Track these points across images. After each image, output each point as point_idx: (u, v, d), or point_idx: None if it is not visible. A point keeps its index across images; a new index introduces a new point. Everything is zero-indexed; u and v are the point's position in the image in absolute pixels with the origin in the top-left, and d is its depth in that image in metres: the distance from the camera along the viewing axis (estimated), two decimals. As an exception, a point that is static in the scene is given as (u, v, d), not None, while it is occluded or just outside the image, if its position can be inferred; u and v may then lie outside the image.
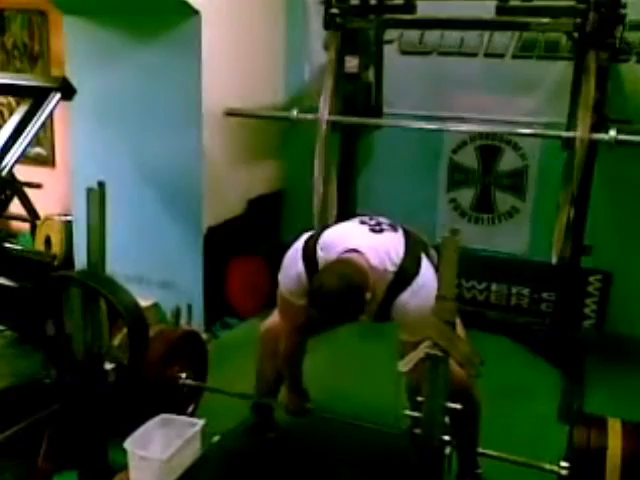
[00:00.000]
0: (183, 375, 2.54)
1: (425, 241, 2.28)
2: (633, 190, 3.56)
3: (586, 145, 2.86)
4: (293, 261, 2.16)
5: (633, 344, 3.56)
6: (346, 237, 2.13)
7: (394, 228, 2.20)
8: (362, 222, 2.23)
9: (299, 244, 2.19)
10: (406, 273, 2.03)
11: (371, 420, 2.40)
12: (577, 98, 3.01)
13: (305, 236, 2.22)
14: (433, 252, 2.23)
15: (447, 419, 1.68)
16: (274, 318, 2.44)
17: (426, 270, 2.07)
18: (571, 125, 3.02)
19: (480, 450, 2.19)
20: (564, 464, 1.99)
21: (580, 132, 2.86)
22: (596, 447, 1.91)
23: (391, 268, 2.03)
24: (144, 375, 2.28)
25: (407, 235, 2.18)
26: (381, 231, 2.16)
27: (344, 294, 1.90)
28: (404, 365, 1.94)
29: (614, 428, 1.98)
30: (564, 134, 3.03)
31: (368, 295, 1.96)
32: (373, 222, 2.22)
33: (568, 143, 2.99)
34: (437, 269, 2.12)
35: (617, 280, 3.70)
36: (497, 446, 2.24)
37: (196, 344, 2.76)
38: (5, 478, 2.22)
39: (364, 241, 2.08)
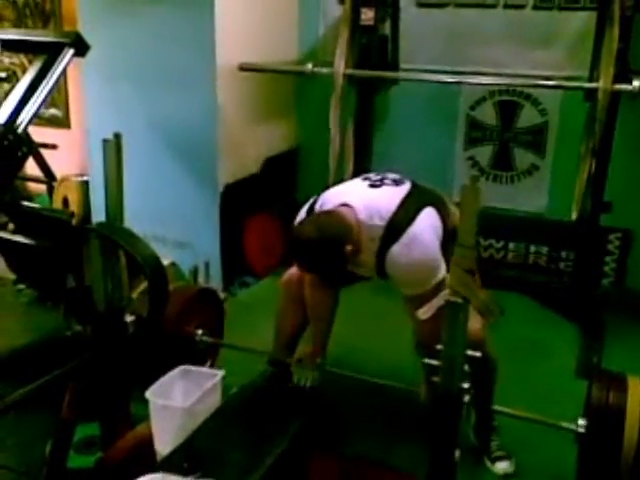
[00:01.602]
0: (200, 332, 2.55)
1: (441, 196, 2.23)
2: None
3: (609, 96, 2.80)
4: (298, 219, 2.20)
5: (651, 302, 3.54)
6: (342, 193, 2.15)
7: (397, 183, 2.18)
8: (365, 178, 2.24)
9: (304, 209, 2.22)
10: (395, 227, 2.00)
11: (386, 374, 2.40)
12: (600, 48, 2.93)
13: (310, 200, 2.24)
14: (453, 209, 2.19)
15: (466, 367, 1.68)
16: (293, 268, 2.44)
17: (423, 222, 2.02)
18: (593, 76, 2.95)
19: (496, 407, 2.18)
20: (582, 422, 1.96)
21: (603, 83, 2.80)
22: (615, 405, 1.87)
23: (380, 222, 2.01)
24: (161, 331, 2.29)
25: (412, 190, 2.14)
26: (380, 186, 2.15)
27: (316, 243, 1.93)
28: (424, 313, 1.96)
29: (634, 386, 1.93)
30: (586, 85, 2.97)
31: (348, 247, 1.96)
32: (377, 178, 2.21)
33: (590, 95, 2.92)
34: (454, 228, 2.11)
35: (637, 238, 3.65)
36: (514, 401, 2.25)
37: (213, 301, 2.76)
38: (32, 429, 2.28)
39: (357, 196, 2.09)
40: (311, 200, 2.23)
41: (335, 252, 1.97)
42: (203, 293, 2.75)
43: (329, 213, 2.03)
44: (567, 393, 2.58)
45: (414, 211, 2.04)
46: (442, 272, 1.99)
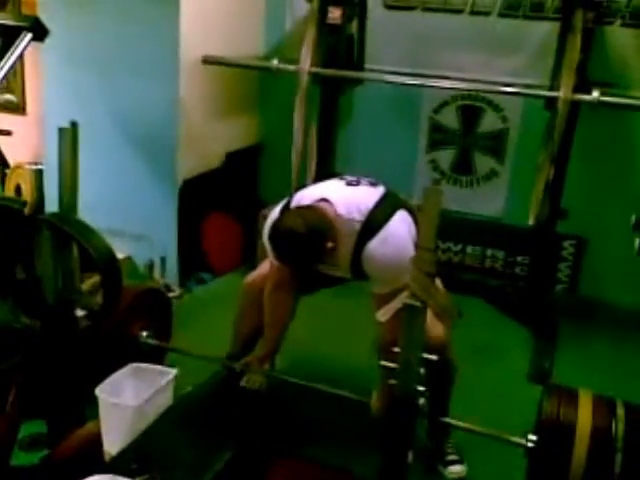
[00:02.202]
0: (144, 333, 2.46)
1: (410, 203, 2.22)
2: (609, 155, 3.58)
3: (569, 105, 2.85)
4: (271, 220, 2.15)
5: (604, 309, 3.61)
6: (319, 189, 2.15)
7: (373, 184, 2.20)
8: (341, 178, 2.24)
9: (277, 209, 2.19)
10: (373, 223, 2.01)
11: (340, 379, 2.39)
12: (561, 58, 2.98)
13: (284, 201, 2.22)
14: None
15: (422, 370, 1.68)
16: (260, 270, 2.43)
17: (398, 221, 2.05)
18: (554, 85, 3.00)
19: (448, 420, 2.18)
20: (532, 437, 1.95)
21: (563, 92, 2.85)
22: (565, 422, 1.86)
23: (358, 217, 2.02)
24: (108, 329, 2.22)
25: (386, 192, 2.16)
26: (357, 185, 2.17)
27: (301, 235, 1.92)
28: (382, 315, 1.96)
29: (585, 401, 1.92)
30: (547, 93, 3.01)
31: (329, 244, 1.97)
32: (353, 178, 2.22)
33: (551, 103, 2.97)
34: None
35: (591, 245, 3.72)
36: (468, 404, 2.28)
37: (159, 301, 2.67)
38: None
39: (335, 192, 2.09)
40: (284, 200, 2.21)
41: (317, 246, 1.96)
42: (149, 293, 2.65)
43: (311, 207, 2.03)
44: (520, 397, 2.62)
45: (390, 210, 2.06)
46: None
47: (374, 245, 1.99)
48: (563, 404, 1.90)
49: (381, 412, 2.01)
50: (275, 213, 2.17)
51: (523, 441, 1.96)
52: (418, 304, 1.59)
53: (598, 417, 1.85)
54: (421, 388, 1.69)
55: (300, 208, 2.04)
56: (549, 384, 2.21)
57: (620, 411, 1.86)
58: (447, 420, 2.19)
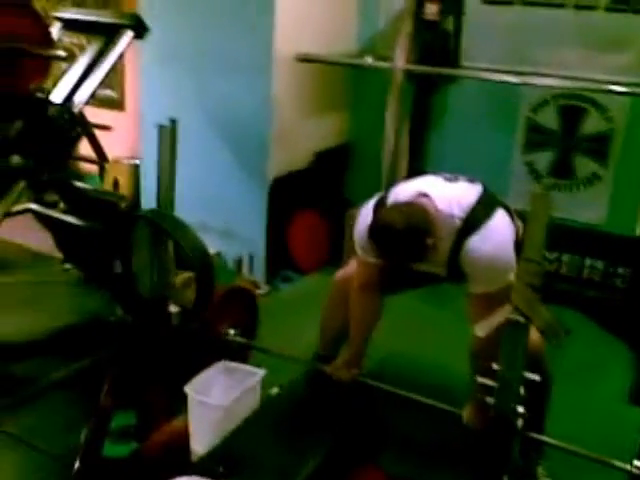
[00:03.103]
0: (232, 331, 2.45)
1: (507, 205, 2.14)
2: None
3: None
4: (364, 216, 2.12)
5: None
6: (417, 185, 2.09)
7: (472, 181, 2.13)
8: (437, 174, 2.17)
9: (370, 204, 2.15)
10: (475, 219, 1.95)
11: (429, 387, 2.31)
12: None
13: (376, 197, 2.17)
14: (518, 222, 2.13)
15: (522, 390, 1.58)
16: (348, 268, 2.38)
17: (499, 220, 1.99)
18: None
19: (544, 438, 2.06)
20: (638, 463, 1.83)
21: (682, 92, 2.63)
22: None
23: (459, 214, 1.96)
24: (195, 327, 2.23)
25: (485, 189, 2.08)
26: (456, 181, 2.11)
27: (403, 230, 1.87)
28: (481, 329, 1.86)
29: None
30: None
31: (430, 241, 1.90)
32: (449, 175, 2.15)
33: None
34: (519, 241, 2.02)
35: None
36: (565, 426, 2.15)
37: (247, 300, 2.67)
38: (69, 412, 2.27)
39: (434, 187, 2.03)
40: (377, 196, 2.16)
41: (418, 243, 1.90)
42: (235, 292, 2.65)
43: (411, 203, 1.97)
44: (620, 419, 2.45)
45: (491, 207, 2.00)
46: (513, 273, 1.89)
47: (474, 242, 1.92)
48: None
49: (474, 425, 1.92)
50: (368, 209, 2.13)
51: (628, 467, 1.84)
52: (521, 319, 1.49)
53: None
54: (520, 409, 1.60)
55: (399, 204, 1.98)
56: None
57: None
58: (544, 438, 2.05)
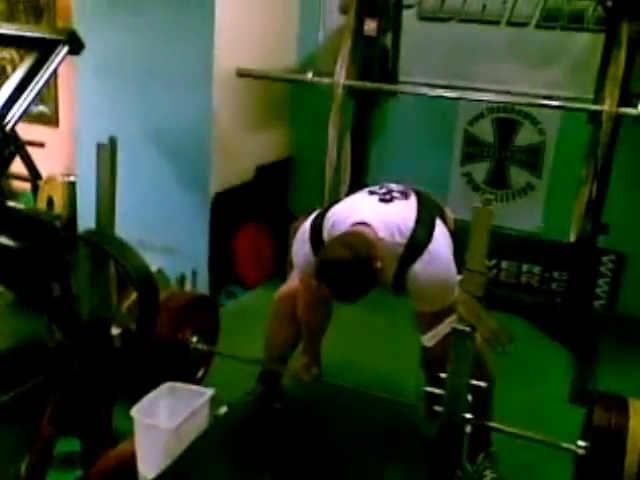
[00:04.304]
0: (194, 339, 2.48)
1: (439, 203, 2.24)
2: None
3: (613, 119, 2.76)
4: (301, 243, 2.12)
5: (643, 327, 3.50)
6: (353, 211, 2.06)
7: (405, 195, 2.13)
8: (371, 192, 2.17)
9: (306, 225, 2.14)
10: (417, 244, 1.96)
11: (382, 389, 2.36)
12: (605, 71, 2.90)
13: (312, 215, 2.16)
14: (449, 213, 2.22)
15: (469, 397, 1.61)
16: (290, 283, 2.40)
17: (439, 237, 2.01)
18: (598, 98, 2.92)
19: (498, 425, 2.12)
20: (582, 443, 1.93)
21: (608, 106, 2.77)
22: (617, 427, 1.84)
23: (400, 240, 1.96)
24: (154, 338, 2.20)
25: (419, 200, 2.11)
26: (391, 200, 2.09)
27: (351, 264, 1.83)
28: (428, 340, 1.89)
29: (635, 409, 1.91)
30: (591, 107, 2.93)
31: (378, 264, 1.88)
32: (383, 190, 2.15)
33: (594, 117, 2.89)
34: (452, 232, 2.11)
35: (630, 261, 3.61)
36: (509, 425, 2.19)
37: (208, 308, 2.70)
38: (8, 441, 2.17)
39: (372, 213, 2.01)
40: (314, 214, 2.15)
41: (368, 271, 1.87)
42: (197, 300, 2.68)
43: (352, 233, 1.94)
44: (560, 418, 2.53)
45: (430, 226, 2.01)
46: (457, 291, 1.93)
47: (419, 267, 1.93)
48: (614, 410, 1.88)
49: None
50: (304, 231, 2.11)
51: (573, 447, 1.92)
52: (467, 329, 1.53)
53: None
54: (468, 416, 1.63)
55: (340, 237, 1.95)
56: (598, 392, 2.15)
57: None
58: (494, 425, 2.09)
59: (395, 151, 3.91)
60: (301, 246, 2.11)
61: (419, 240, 1.95)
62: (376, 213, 2.01)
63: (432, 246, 1.95)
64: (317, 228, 2.08)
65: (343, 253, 1.84)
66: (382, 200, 2.09)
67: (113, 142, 1.90)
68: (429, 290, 1.95)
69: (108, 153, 1.87)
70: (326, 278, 1.90)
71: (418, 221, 2.00)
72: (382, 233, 1.94)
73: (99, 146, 1.89)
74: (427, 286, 1.94)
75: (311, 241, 2.07)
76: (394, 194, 2.12)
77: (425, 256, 1.93)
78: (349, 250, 1.84)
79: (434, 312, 1.97)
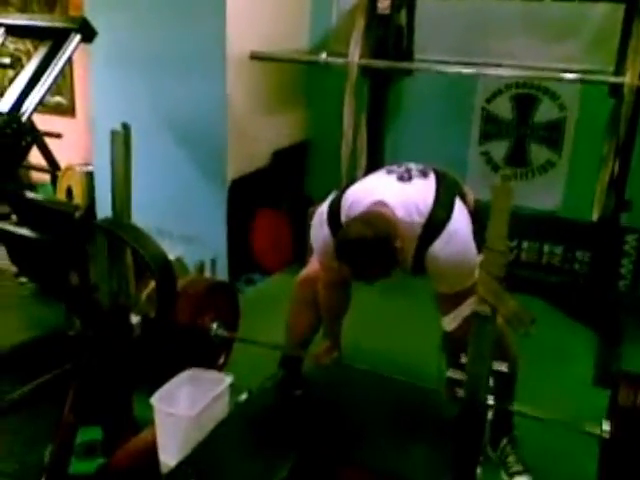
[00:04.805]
0: (214, 325, 2.46)
1: (458, 181, 2.20)
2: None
3: (635, 92, 2.69)
4: (319, 225, 2.10)
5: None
6: (371, 190, 2.02)
7: (424, 174, 2.09)
8: (389, 171, 2.12)
9: (324, 207, 2.11)
10: (435, 223, 1.92)
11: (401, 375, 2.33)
12: (626, 43, 2.82)
13: (330, 198, 2.13)
14: (469, 192, 2.18)
15: (491, 381, 1.58)
16: (310, 267, 2.37)
17: (459, 216, 1.97)
18: (619, 71, 2.84)
19: (521, 409, 2.09)
20: (606, 426, 1.88)
21: (630, 78, 2.69)
22: None
23: (419, 219, 1.93)
24: (174, 325, 2.20)
25: (438, 179, 2.07)
26: (409, 179, 2.05)
27: (371, 242, 1.80)
28: (448, 323, 1.86)
29: None
30: (613, 79, 2.85)
31: (398, 243, 1.85)
32: (402, 169, 2.11)
33: (616, 90, 2.81)
34: (472, 212, 2.07)
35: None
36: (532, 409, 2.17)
37: (228, 295, 2.68)
38: (30, 430, 2.19)
39: (390, 192, 1.98)
40: (331, 196, 2.12)
41: (389, 249, 1.84)
42: (217, 286, 2.67)
43: (370, 212, 1.91)
44: (585, 401, 2.48)
45: (449, 206, 1.97)
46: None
47: (438, 246, 1.90)
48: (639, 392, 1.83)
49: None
50: (322, 214, 2.09)
51: (597, 430, 1.88)
52: (488, 311, 1.49)
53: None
54: (490, 401, 1.60)
55: (359, 216, 1.92)
56: (623, 372, 2.10)
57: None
58: (517, 408, 2.05)
59: (412, 131, 3.86)
60: (319, 229, 2.09)
61: (438, 219, 1.92)
62: (394, 193, 1.98)
63: (451, 225, 1.92)
64: (335, 210, 2.06)
65: (363, 231, 1.81)
66: (400, 179, 2.05)
67: (127, 128, 1.89)
68: (449, 270, 1.92)
69: (122, 139, 1.86)
70: (347, 257, 1.87)
71: (437, 200, 1.97)
72: (400, 213, 1.91)
73: (113, 133, 1.88)
74: (446, 266, 1.91)
75: (329, 223, 2.05)
76: (413, 173, 2.08)
77: (444, 235, 1.90)
78: (369, 228, 1.81)
79: (454, 293, 1.94)
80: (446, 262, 1.90)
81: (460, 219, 1.97)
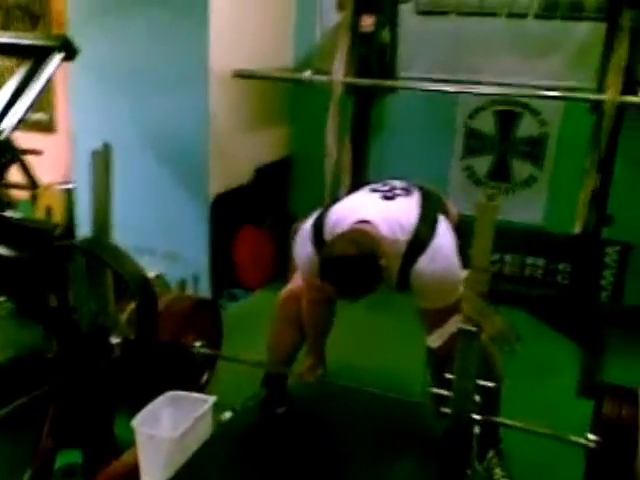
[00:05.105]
0: (197, 344, 2.44)
1: (441, 197, 2.22)
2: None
3: (616, 108, 2.72)
4: (303, 243, 2.09)
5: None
6: (355, 209, 2.03)
7: (408, 191, 2.11)
8: (373, 190, 2.14)
9: (308, 224, 2.10)
10: (420, 240, 1.93)
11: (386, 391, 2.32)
12: (608, 60, 2.86)
13: (314, 215, 2.13)
14: (451, 205, 2.20)
15: (477, 397, 1.57)
16: (293, 284, 2.36)
17: (443, 232, 1.98)
18: (601, 87, 2.88)
19: (506, 421, 2.09)
20: (592, 437, 1.91)
21: (611, 94, 2.73)
22: (627, 419, 1.83)
23: (403, 237, 1.93)
24: (156, 345, 2.16)
25: (422, 196, 2.09)
26: (393, 197, 2.07)
27: (356, 260, 1.80)
28: (434, 340, 1.85)
29: None
30: (594, 96, 2.89)
31: (383, 261, 1.85)
32: (385, 188, 2.12)
33: (597, 107, 2.85)
34: (456, 227, 2.08)
35: (636, 251, 3.57)
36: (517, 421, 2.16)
37: (211, 312, 2.68)
38: (8, 454, 2.14)
39: (374, 211, 1.98)
40: (315, 214, 2.12)
41: (373, 267, 1.84)
42: (200, 304, 2.66)
43: (354, 230, 1.92)
44: (569, 412, 2.49)
45: (433, 223, 1.98)
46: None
47: (423, 263, 1.90)
48: (624, 403, 1.87)
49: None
50: (306, 231, 2.08)
51: (583, 440, 1.90)
52: (473, 328, 1.49)
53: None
54: (477, 417, 1.59)
55: (342, 234, 1.92)
56: (607, 384, 2.11)
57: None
58: (502, 421, 2.07)
59: (395, 148, 3.87)
60: (303, 246, 2.08)
61: (422, 237, 1.92)
62: (378, 211, 1.98)
63: (435, 242, 1.92)
64: (318, 227, 2.05)
65: (348, 249, 1.81)
66: (384, 197, 2.06)
67: (107, 148, 1.86)
68: (434, 287, 1.92)
69: (102, 160, 1.83)
70: (331, 276, 1.87)
71: (421, 218, 1.97)
72: (384, 231, 1.91)
73: (93, 153, 1.86)
74: (431, 282, 1.91)
75: (313, 241, 2.04)
76: (396, 191, 2.10)
77: (429, 252, 1.90)
78: (353, 246, 1.81)
79: (439, 309, 1.94)
80: (431, 278, 1.90)
81: (444, 235, 1.97)
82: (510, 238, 3.79)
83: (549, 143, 3.69)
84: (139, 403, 1.98)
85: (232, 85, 3.46)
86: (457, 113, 3.81)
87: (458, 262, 1.95)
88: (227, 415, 2.23)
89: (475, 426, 1.64)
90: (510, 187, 3.84)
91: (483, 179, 3.87)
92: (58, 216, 4.08)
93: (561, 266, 3.74)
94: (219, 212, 3.52)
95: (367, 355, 2.97)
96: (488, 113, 3.76)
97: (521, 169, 3.79)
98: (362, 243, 1.83)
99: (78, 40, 2.46)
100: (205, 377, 2.57)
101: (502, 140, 3.78)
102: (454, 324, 1.58)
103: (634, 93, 2.78)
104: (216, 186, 3.51)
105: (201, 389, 2.40)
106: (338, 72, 3.16)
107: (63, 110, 4.43)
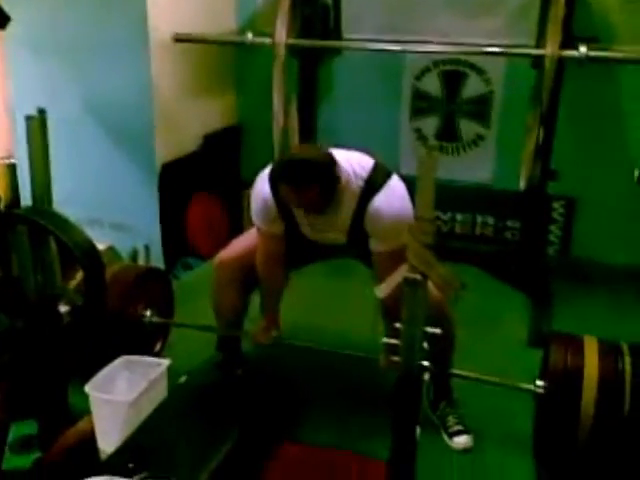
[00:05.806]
0: (147, 313, 2.43)
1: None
2: (595, 112, 3.50)
3: (556, 63, 2.77)
4: (260, 185, 2.10)
5: (596, 268, 3.59)
6: None
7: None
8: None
9: (265, 171, 2.11)
10: (377, 179, 2.00)
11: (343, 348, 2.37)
12: (546, 15, 2.90)
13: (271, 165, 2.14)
14: None
15: (426, 344, 1.61)
16: (230, 248, 2.38)
17: (397, 179, 2.05)
18: (540, 43, 2.92)
19: (456, 371, 2.16)
20: (540, 383, 2.00)
21: (550, 49, 2.77)
22: (574, 365, 1.91)
23: (361, 173, 1.99)
24: (105, 314, 2.15)
25: (376, 161, 2.11)
26: (349, 150, 2.12)
27: (315, 161, 1.89)
28: (381, 291, 1.88)
29: (590, 347, 1.97)
30: (534, 51, 2.93)
31: (341, 178, 1.93)
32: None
33: (537, 62, 2.89)
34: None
35: (580, 205, 3.67)
36: (469, 369, 2.24)
37: (160, 281, 2.66)
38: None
39: (334, 152, 2.03)
40: (271, 165, 2.12)
41: (331, 173, 1.92)
42: (149, 273, 2.64)
43: (316, 145, 2.01)
44: (519, 362, 2.57)
45: (387, 171, 2.05)
46: None
47: (380, 198, 1.97)
48: (570, 349, 1.95)
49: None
50: (264, 177, 2.09)
51: (532, 387, 2.00)
52: (419, 277, 1.52)
53: (605, 360, 1.90)
54: (426, 363, 1.64)
55: (303, 144, 2.02)
56: (554, 332, 2.21)
57: (626, 352, 1.92)
58: (454, 371, 2.16)
59: (343, 111, 3.86)
60: (260, 189, 2.09)
61: (378, 176, 2.00)
62: (338, 152, 2.03)
63: (391, 183, 2.00)
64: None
65: (307, 152, 1.95)
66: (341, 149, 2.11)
67: (42, 113, 1.81)
68: (389, 224, 1.96)
69: (38, 125, 1.78)
70: (289, 177, 1.90)
71: (376, 165, 2.05)
72: (344, 164, 1.97)
73: (27, 118, 1.80)
74: (387, 220, 1.95)
75: (271, 181, 2.05)
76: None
77: (385, 190, 1.97)
78: (313, 151, 1.94)
79: (393, 252, 1.96)
80: (387, 216, 1.95)
81: (398, 181, 2.05)
82: (461, 198, 3.86)
83: (494, 102, 3.72)
84: (92, 372, 1.97)
85: (174, 51, 3.39)
86: (404, 75, 3.81)
87: (411, 206, 1.98)
88: (183, 379, 2.23)
89: (425, 373, 1.68)
90: (459, 146, 3.88)
91: (432, 140, 3.90)
92: (1, 190, 3.98)
93: (510, 223, 3.82)
94: (168, 181, 3.48)
95: (321, 316, 3.02)
96: (434, 74, 3.77)
97: (469, 129, 3.82)
98: (322, 152, 1.94)
99: (11, 9, 2.37)
100: (158, 346, 2.56)
101: (449, 100, 3.80)
102: (400, 274, 1.61)
103: (574, 47, 2.83)
104: (163, 154, 3.46)
105: (155, 357, 2.39)
106: (281, 34, 3.12)
107: (1, 83, 4.27)
